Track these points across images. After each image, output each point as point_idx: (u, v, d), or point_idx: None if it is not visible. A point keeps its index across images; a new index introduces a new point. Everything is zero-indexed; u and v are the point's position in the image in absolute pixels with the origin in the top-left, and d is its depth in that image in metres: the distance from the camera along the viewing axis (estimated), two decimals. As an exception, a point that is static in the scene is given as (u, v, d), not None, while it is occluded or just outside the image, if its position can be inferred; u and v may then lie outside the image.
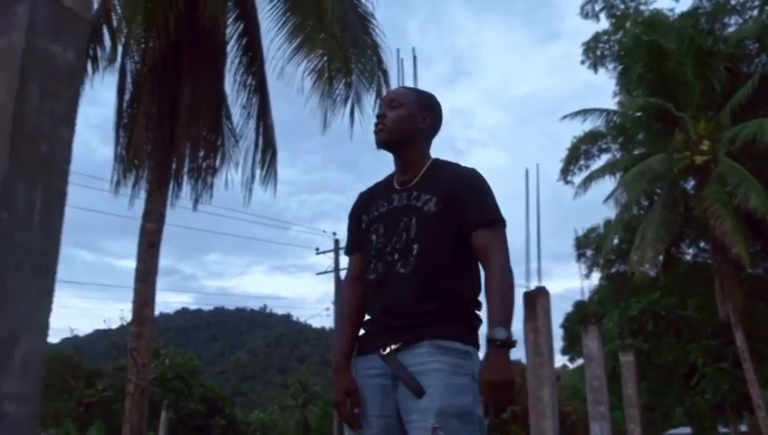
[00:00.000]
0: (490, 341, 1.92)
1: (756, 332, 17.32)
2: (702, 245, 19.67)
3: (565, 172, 19.82)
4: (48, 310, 2.26)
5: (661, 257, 16.86)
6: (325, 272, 26.77)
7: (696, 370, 18.42)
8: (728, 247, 14.88)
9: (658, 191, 17.49)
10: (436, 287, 2.11)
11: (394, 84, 9.08)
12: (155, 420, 32.93)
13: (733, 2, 17.78)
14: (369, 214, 2.33)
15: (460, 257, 2.17)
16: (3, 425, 2.04)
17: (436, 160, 2.35)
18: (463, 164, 2.36)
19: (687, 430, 28.40)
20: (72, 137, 2.40)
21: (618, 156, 19.35)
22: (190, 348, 63.66)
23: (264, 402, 77.34)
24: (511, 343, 1.93)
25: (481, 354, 2.06)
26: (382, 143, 2.33)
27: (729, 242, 14.66)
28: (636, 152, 18.73)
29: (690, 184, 17.98)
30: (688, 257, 20.71)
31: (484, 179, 2.28)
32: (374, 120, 2.39)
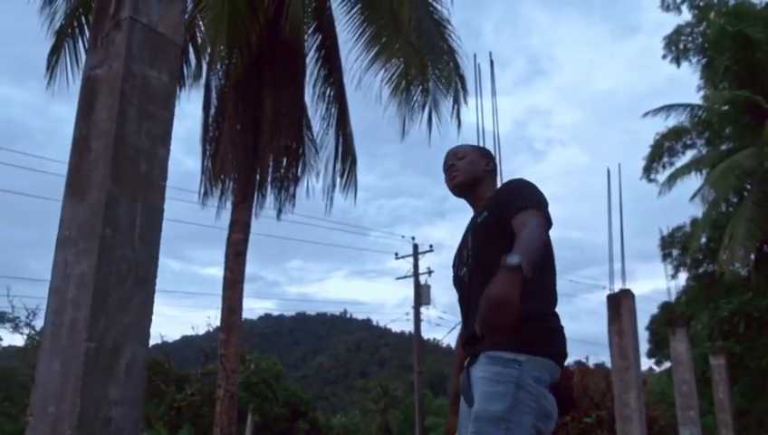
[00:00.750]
0: (501, 265, 1.88)
1: None
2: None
3: (648, 170, 19.30)
4: (149, 320, 2.39)
5: (753, 256, 16.23)
6: (404, 277, 26.84)
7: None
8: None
9: (748, 187, 16.83)
10: None
11: (471, 89, 9.08)
12: (242, 424, 33.80)
13: (824, -14, 16.97)
14: (454, 257, 2.61)
15: None
16: (109, 429, 2.17)
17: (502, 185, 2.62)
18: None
19: (786, 436, 27.09)
20: (168, 155, 2.54)
21: (703, 152, 18.71)
22: (273, 353, 64.99)
23: (345, 406, 78.07)
24: (517, 268, 1.85)
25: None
26: (459, 185, 2.67)
27: (828, 238, 13.98)
28: (723, 148, 18.07)
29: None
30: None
31: (521, 181, 2.46)
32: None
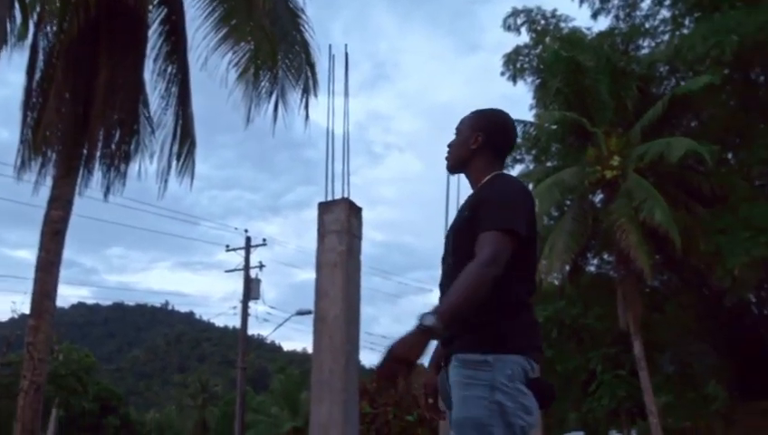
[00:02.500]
0: (417, 320, 1.96)
1: (652, 341, 18.09)
2: (605, 257, 20.39)
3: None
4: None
5: (568, 267, 17.34)
6: (235, 270, 26.17)
7: (595, 377, 19.08)
8: (632, 260, 15.44)
9: (568, 203, 18.01)
10: None
11: (323, 82, 8.91)
12: (44, 419, 31.46)
13: (647, 25, 18.54)
14: None
15: None
16: None
17: (495, 176, 2.46)
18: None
19: (581, 433, 29.45)
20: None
21: (531, 167, 19.79)
22: (86, 344, 61.22)
23: (161, 402, 75.11)
24: (428, 330, 1.93)
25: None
26: (450, 169, 2.60)
27: (633, 255, 15.22)
28: (549, 164, 19.21)
29: (598, 198, 18.60)
30: (592, 268, 21.43)
31: (504, 191, 2.36)
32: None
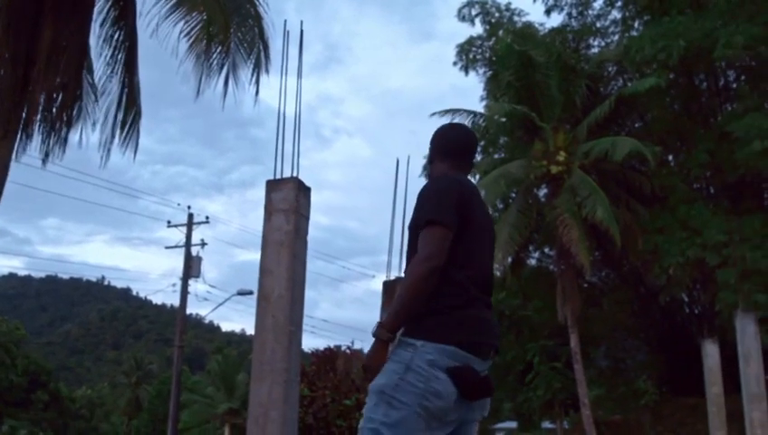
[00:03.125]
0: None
1: (588, 335, 18.50)
2: (547, 250, 20.73)
3: (428, 169, 20.14)
4: None
5: (510, 259, 17.54)
6: (176, 246, 25.66)
7: (532, 368, 19.41)
8: (572, 255, 15.73)
9: (513, 196, 18.21)
10: None
11: (275, 59, 8.74)
12: (-31, 392, 30.40)
13: (598, 25, 18.85)
14: None
15: None
16: None
17: (433, 178, 2.77)
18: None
19: (514, 424, 29.96)
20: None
21: (478, 158, 19.93)
22: (16, 317, 59.41)
23: (93, 378, 73.59)
24: (378, 337, 2.35)
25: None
26: None
27: (574, 250, 15.51)
28: (496, 156, 19.39)
29: (543, 192, 18.87)
30: (533, 261, 21.78)
31: (430, 187, 2.60)
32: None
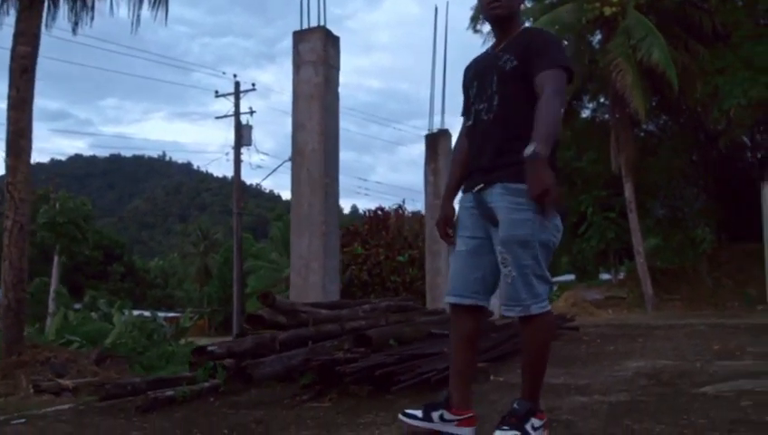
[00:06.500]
0: (525, 156, 2.33)
1: (643, 185, 18.11)
2: (602, 100, 20.03)
3: (475, 20, 19.29)
4: None
5: (562, 110, 17.02)
6: (225, 116, 25.80)
7: (586, 219, 19.24)
8: (627, 101, 15.15)
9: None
10: (512, 135, 2.53)
11: None
12: (47, 266, 32.14)
13: None
14: (468, 75, 2.82)
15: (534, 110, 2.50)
16: None
17: (525, 28, 2.80)
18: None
19: (572, 276, 30.28)
20: None
21: (529, 5, 18.97)
22: (84, 196, 61.78)
23: (164, 251, 76.93)
24: (535, 156, 2.30)
25: None
26: (498, 17, 2.72)
27: (628, 96, 14.92)
28: (546, 1, 18.39)
29: (596, 38, 17.98)
30: (587, 112, 21.13)
31: (550, 35, 2.79)
32: None
